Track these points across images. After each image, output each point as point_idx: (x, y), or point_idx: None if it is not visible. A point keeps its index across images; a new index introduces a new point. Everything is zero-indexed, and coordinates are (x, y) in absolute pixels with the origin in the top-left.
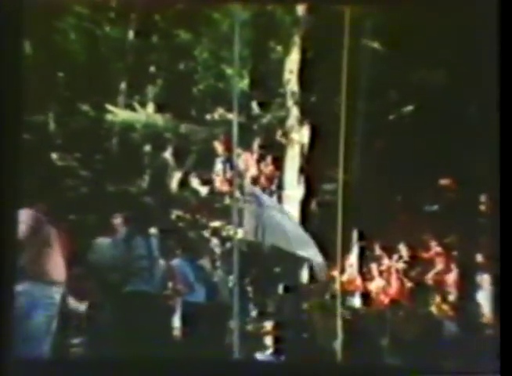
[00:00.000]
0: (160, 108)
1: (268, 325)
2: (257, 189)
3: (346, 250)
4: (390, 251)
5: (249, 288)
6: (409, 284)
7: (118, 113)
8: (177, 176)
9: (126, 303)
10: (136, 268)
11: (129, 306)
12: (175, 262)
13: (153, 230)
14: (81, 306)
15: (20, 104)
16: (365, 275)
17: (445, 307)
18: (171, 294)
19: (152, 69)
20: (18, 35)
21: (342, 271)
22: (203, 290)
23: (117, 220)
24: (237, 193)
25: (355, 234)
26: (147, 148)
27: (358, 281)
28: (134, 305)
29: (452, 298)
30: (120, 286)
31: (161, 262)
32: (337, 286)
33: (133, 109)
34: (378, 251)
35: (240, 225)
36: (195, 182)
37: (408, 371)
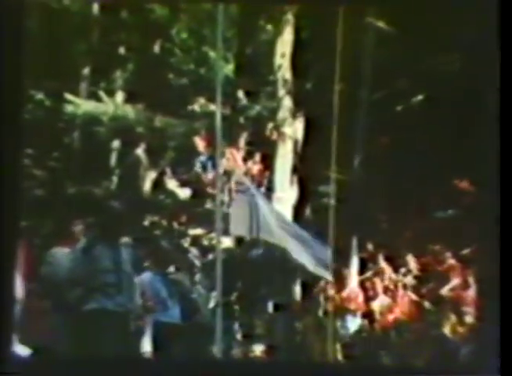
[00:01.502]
0: (130, 97)
1: (258, 349)
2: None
3: (345, 262)
4: (396, 263)
5: (235, 306)
6: (418, 302)
7: (80, 104)
8: (151, 177)
9: (86, 323)
10: (99, 283)
11: (90, 327)
12: (145, 275)
13: (122, 239)
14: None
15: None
16: (367, 291)
17: (461, 329)
18: (140, 312)
19: (121, 51)
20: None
21: (341, 287)
22: (178, 308)
23: (78, 227)
24: (221, 196)
25: (354, 243)
26: (115, 144)
27: (360, 298)
28: (96, 326)
29: (469, 318)
30: (80, 303)
31: (131, 275)
32: (332, 304)
33: (98, 98)
34: (382, 263)
35: (225, 233)
36: (172, 184)
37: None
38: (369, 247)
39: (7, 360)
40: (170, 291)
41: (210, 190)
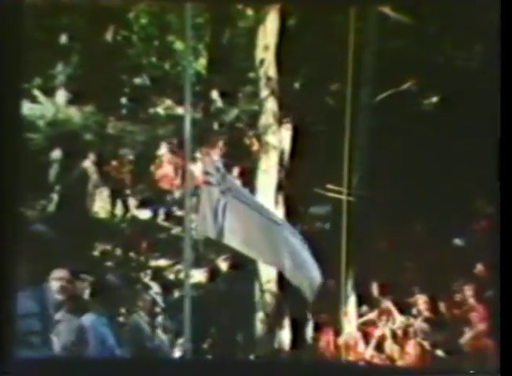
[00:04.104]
0: (75, 98)
1: None
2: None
3: (341, 300)
4: (403, 303)
5: (207, 356)
6: (432, 352)
7: None
8: (103, 195)
9: None
10: (23, 330)
11: None
12: (86, 317)
13: (55, 274)
14: None
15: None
16: (369, 337)
17: None
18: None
19: (63, 39)
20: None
21: (336, 331)
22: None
23: None
24: (190, 219)
25: (352, 277)
26: (56, 154)
27: (361, 347)
28: None
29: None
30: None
31: (69, 318)
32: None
33: (33, 98)
34: (386, 303)
35: (196, 264)
36: (131, 204)
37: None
38: (371, 282)
39: (7, 360)
40: (119, 336)
41: (176, 212)
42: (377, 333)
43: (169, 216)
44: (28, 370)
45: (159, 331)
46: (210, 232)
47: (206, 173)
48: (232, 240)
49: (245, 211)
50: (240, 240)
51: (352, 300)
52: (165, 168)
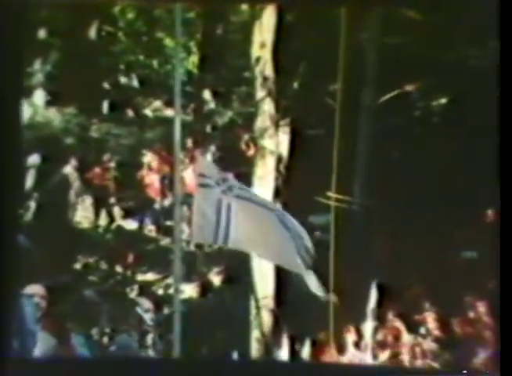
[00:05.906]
0: (55, 98)
1: None
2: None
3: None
4: (411, 320)
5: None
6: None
7: None
8: (86, 204)
9: None
10: None
11: None
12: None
13: (31, 289)
14: None
15: None
16: (375, 357)
17: None
18: None
19: (41, 34)
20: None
21: (340, 349)
22: None
23: None
24: (181, 229)
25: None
26: (33, 160)
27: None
28: None
29: None
30: None
31: (45, 336)
32: None
33: None
34: (392, 320)
35: (187, 278)
36: (116, 214)
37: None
38: (375, 297)
39: (7, 360)
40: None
41: (166, 221)
42: (384, 353)
43: (157, 226)
44: (26, 370)
45: (150, 350)
46: (208, 237)
47: (201, 175)
48: (239, 241)
49: (252, 208)
50: (249, 240)
51: (357, 317)
52: (152, 177)
